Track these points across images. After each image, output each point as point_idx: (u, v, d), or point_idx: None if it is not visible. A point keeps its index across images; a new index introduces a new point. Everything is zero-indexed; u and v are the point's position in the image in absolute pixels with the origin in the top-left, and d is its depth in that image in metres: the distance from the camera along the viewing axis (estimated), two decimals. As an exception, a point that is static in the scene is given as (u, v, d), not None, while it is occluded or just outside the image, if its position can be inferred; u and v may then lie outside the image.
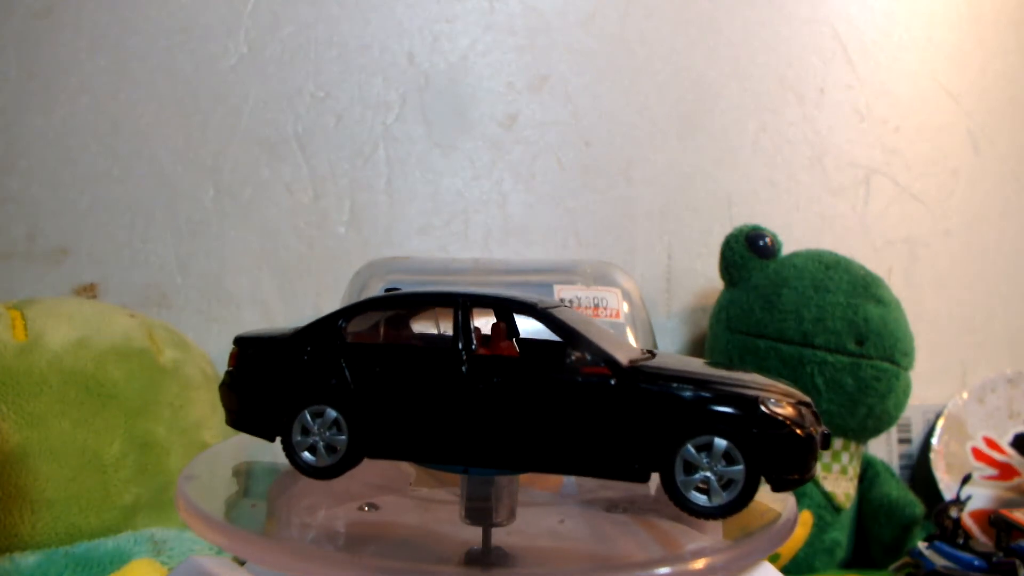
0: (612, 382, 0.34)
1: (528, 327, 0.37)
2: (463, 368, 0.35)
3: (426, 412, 0.35)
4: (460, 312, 0.37)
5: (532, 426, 0.35)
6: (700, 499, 0.34)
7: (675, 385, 0.34)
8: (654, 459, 0.34)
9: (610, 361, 0.35)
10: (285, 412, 0.37)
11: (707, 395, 0.34)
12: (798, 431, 0.34)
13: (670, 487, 0.34)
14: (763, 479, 0.34)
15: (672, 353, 0.43)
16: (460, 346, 0.36)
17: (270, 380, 0.38)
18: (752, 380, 0.36)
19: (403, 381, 0.36)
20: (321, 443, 0.36)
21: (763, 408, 0.34)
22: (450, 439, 0.35)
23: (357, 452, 0.36)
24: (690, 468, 0.34)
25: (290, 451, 0.37)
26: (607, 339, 0.38)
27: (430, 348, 0.37)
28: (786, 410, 0.34)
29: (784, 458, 0.34)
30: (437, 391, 0.35)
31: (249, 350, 0.40)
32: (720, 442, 0.33)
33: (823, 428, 0.36)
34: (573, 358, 0.35)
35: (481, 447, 0.35)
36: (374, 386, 0.36)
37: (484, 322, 0.39)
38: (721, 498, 0.34)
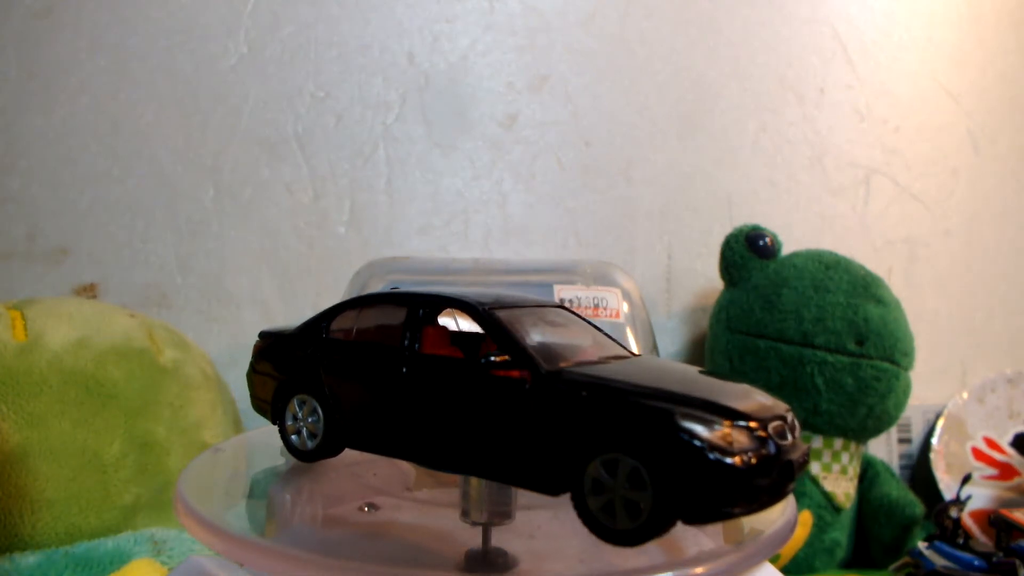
0: (527, 387, 0.33)
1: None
2: (404, 367, 0.37)
3: (378, 407, 0.37)
4: (409, 312, 0.38)
5: (458, 427, 0.34)
6: (608, 522, 0.30)
7: (585, 394, 0.31)
8: (565, 472, 0.31)
9: (530, 365, 0.33)
10: (281, 399, 0.42)
11: (620, 407, 0.30)
12: (720, 457, 0.29)
13: (578, 504, 0.31)
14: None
15: (657, 358, 0.41)
16: (406, 345, 0.37)
17: (275, 370, 0.43)
18: (691, 393, 0.31)
19: (362, 376, 0.38)
20: (305, 429, 0.40)
21: (677, 426, 0.29)
22: (398, 435, 0.37)
23: (333, 439, 0.39)
24: (599, 487, 0.30)
25: (283, 434, 0.41)
26: (573, 341, 0.38)
27: (387, 347, 0.38)
28: (709, 432, 0.29)
29: (701, 486, 0.29)
30: (386, 388, 0.37)
31: (265, 343, 0.44)
32: (627, 461, 0.30)
33: (791, 457, 0.31)
34: (495, 360, 0.34)
35: (421, 444, 0.36)
36: (342, 380, 0.39)
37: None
38: (627, 523, 0.30)
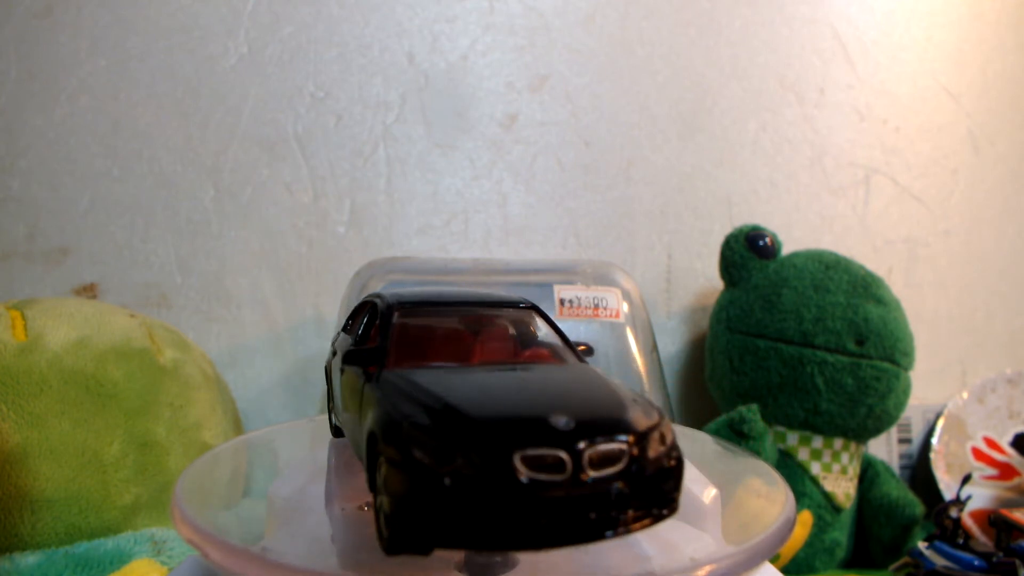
0: (374, 383, 0.32)
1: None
2: (344, 360, 0.39)
3: (334, 395, 0.41)
4: (369, 310, 0.40)
5: (355, 415, 0.36)
6: (378, 527, 0.29)
7: (379, 395, 0.30)
8: (371, 472, 0.30)
9: (380, 362, 0.33)
10: (327, 383, 0.45)
11: (383, 412, 0.29)
12: (432, 477, 0.26)
13: (376, 506, 0.30)
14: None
15: (584, 367, 0.36)
16: (358, 337, 0.39)
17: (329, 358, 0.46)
18: (461, 406, 0.28)
19: (334, 368, 0.42)
20: (334, 411, 0.44)
21: (401, 437, 0.27)
22: (341, 420, 0.40)
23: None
24: (379, 490, 0.29)
25: (328, 412, 0.45)
26: (505, 342, 0.38)
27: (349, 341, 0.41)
28: (423, 448, 0.26)
29: (418, 505, 0.26)
30: (336, 378, 0.40)
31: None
32: (383, 467, 0.28)
33: (550, 493, 0.26)
34: (363, 355, 0.34)
35: (350, 431, 0.37)
36: (334, 370, 0.42)
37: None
38: (382, 530, 0.28)
